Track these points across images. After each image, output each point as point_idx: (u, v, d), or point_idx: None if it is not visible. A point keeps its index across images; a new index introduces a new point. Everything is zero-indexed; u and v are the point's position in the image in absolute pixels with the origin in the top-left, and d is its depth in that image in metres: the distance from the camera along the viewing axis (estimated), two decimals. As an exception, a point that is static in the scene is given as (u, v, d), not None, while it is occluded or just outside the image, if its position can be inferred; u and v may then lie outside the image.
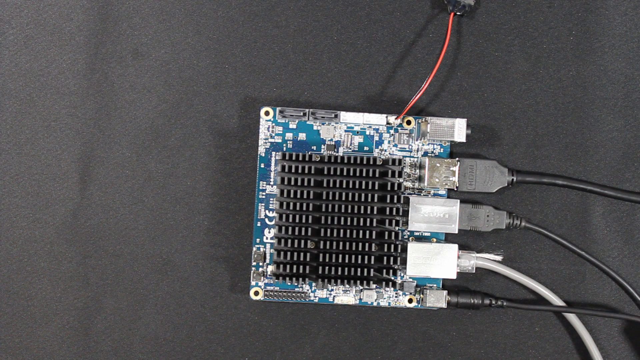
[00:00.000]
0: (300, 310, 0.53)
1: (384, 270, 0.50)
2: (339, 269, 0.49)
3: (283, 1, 0.53)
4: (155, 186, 0.52)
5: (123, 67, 0.52)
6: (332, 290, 0.52)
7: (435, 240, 0.52)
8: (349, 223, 0.49)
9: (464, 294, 0.51)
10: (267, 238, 0.52)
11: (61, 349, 0.52)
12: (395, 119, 0.51)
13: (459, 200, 0.50)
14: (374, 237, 0.49)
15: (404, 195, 0.51)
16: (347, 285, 0.50)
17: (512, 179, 0.51)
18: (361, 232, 0.49)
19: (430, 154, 0.52)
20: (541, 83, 0.53)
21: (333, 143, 0.52)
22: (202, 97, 0.52)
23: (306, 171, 0.49)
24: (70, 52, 0.52)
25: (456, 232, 0.50)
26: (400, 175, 0.49)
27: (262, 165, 0.52)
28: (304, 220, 0.49)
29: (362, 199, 0.49)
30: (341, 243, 0.49)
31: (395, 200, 0.49)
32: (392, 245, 0.49)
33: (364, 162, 0.49)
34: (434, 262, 0.50)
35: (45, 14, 0.52)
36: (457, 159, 0.50)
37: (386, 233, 0.49)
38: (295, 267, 0.49)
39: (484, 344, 0.53)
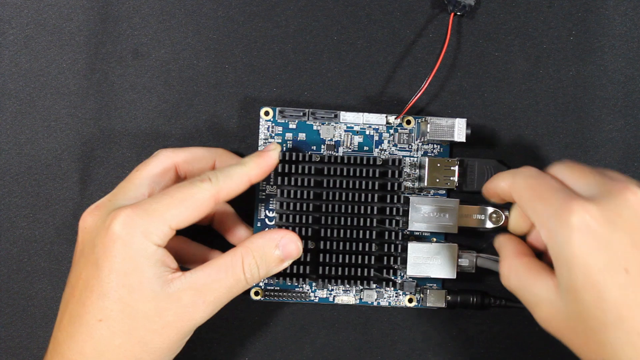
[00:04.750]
0: (300, 310, 0.53)
1: (384, 270, 0.50)
2: (339, 269, 0.49)
3: (283, 1, 0.53)
4: (155, 186, 0.52)
5: (123, 67, 0.52)
6: (332, 290, 0.52)
7: (435, 240, 0.52)
8: (349, 223, 0.49)
9: (464, 294, 0.51)
10: (267, 238, 0.52)
11: (61, 349, 0.52)
12: (395, 118, 0.51)
13: (458, 200, 0.50)
14: (374, 237, 0.49)
15: (404, 195, 0.51)
16: (347, 285, 0.50)
17: (512, 179, 0.51)
18: (361, 232, 0.49)
19: (430, 154, 0.52)
20: (541, 83, 0.53)
21: (333, 143, 0.52)
22: (202, 97, 0.52)
23: (306, 171, 0.49)
24: (70, 52, 0.52)
25: (456, 232, 0.50)
26: (400, 175, 0.49)
27: (262, 165, 0.52)
28: (304, 221, 0.49)
29: (362, 199, 0.49)
30: (341, 243, 0.49)
31: (395, 200, 0.49)
32: (392, 245, 0.49)
33: (364, 162, 0.49)
34: (434, 262, 0.50)
35: (45, 14, 0.52)
36: (457, 159, 0.50)
37: (386, 233, 0.49)
38: (295, 267, 0.49)
39: (484, 344, 0.53)
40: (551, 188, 0.40)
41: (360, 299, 0.52)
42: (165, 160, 0.47)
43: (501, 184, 0.44)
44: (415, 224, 0.50)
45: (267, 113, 0.51)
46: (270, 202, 0.52)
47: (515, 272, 0.44)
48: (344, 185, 0.49)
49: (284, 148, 0.52)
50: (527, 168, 0.44)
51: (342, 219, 0.49)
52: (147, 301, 0.41)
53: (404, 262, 0.50)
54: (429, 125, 0.50)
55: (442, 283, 0.52)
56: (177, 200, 0.42)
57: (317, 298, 0.52)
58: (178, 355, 0.53)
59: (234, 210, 0.51)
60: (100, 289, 0.41)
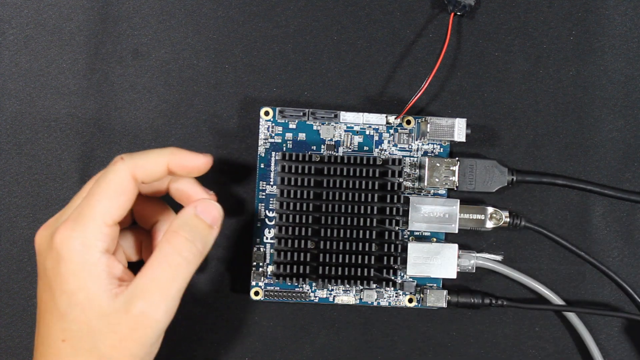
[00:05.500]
0: (300, 310, 0.53)
1: (384, 270, 0.50)
2: (339, 269, 0.49)
3: (283, 1, 0.53)
4: (155, 186, 0.52)
5: (123, 67, 0.52)
6: (332, 290, 0.52)
7: (435, 240, 0.52)
8: (349, 223, 0.49)
9: (464, 294, 0.51)
10: (267, 238, 0.52)
11: (61, 349, 0.52)
12: (395, 118, 0.51)
13: (459, 200, 0.50)
14: (374, 237, 0.49)
15: (404, 195, 0.51)
16: (348, 285, 0.50)
17: (512, 179, 0.51)
18: (361, 232, 0.49)
19: (430, 154, 0.52)
20: (541, 83, 0.53)
21: (333, 143, 0.52)
22: (202, 97, 0.52)
23: (306, 171, 0.49)
24: (70, 52, 0.52)
25: (456, 232, 0.50)
26: (400, 175, 0.49)
27: (262, 165, 0.52)
28: (304, 220, 0.49)
29: (362, 199, 0.49)
30: (341, 243, 0.49)
31: (395, 200, 0.49)
32: (392, 245, 0.49)
33: (364, 162, 0.49)
34: (434, 262, 0.50)
35: (45, 14, 0.52)
36: (457, 158, 0.50)
37: (386, 233, 0.49)
38: (295, 267, 0.49)
39: (484, 344, 0.53)
40: None
41: (360, 299, 0.52)
42: None
43: None
44: (415, 224, 0.50)
45: (267, 113, 0.51)
46: (270, 202, 0.52)
47: None
48: (344, 185, 0.49)
49: (284, 148, 0.52)
50: None
51: (342, 219, 0.49)
52: (98, 318, 0.40)
53: (404, 262, 0.50)
54: (429, 125, 0.50)
55: (442, 283, 0.52)
56: (99, 194, 0.41)
57: (317, 298, 0.52)
58: (178, 356, 0.53)
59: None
60: (57, 310, 0.40)
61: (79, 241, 0.40)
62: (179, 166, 0.44)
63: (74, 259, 0.40)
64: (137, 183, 0.42)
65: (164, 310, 0.41)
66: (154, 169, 0.43)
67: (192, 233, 0.42)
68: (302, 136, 0.52)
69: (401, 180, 0.50)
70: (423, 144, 0.52)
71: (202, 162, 0.45)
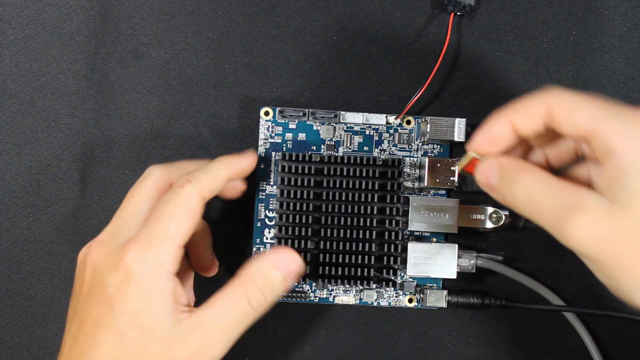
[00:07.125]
0: (300, 310, 0.53)
1: (384, 270, 0.50)
2: (339, 269, 0.49)
3: (283, 1, 0.53)
4: (155, 186, 0.52)
5: (123, 67, 0.52)
6: (332, 290, 0.52)
7: (435, 240, 0.52)
8: (349, 223, 0.49)
9: (464, 294, 0.51)
10: (267, 238, 0.52)
11: (61, 349, 0.52)
12: (395, 118, 0.51)
13: (459, 200, 0.50)
14: (374, 237, 0.49)
15: (404, 195, 0.51)
16: (347, 285, 0.50)
17: (512, 179, 0.51)
18: (361, 232, 0.49)
19: (430, 154, 0.52)
20: (541, 83, 0.53)
21: (333, 143, 0.52)
22: (202, 97, 0.52)
23: (306, 171, 0.49)
24: (70, 52, 0.52)
25: (456, 232, 0.50)
26: (400, 175, 0.49)
27: (262, 165, 0.52)
28: (304, 221, 0.49)
29: (362, 199, 0.49)
30: (341, 243, 0.49)
31: (395, 200, 0.49)
32: (392, 245, 0.49)
33: (364, 162, 0.49)
34: (434, 262, 0.50)
35: (45, 14, 0.52)
36: (457, 159, 0.50)
37: (386, 233, 0.49)
38: (295, 267, 0.49)
39: (484, 344, 0.53)
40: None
41: (360, 299, 0.52)
42: (159, 178, 0.45)
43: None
44: (415, 224, 0.50)
45: (267, 113, 0.51)
46: (270, 202, 0.52)
47: (545, 178, 0.37)
48: (344, 185, 0.49)
49: (284, 148, 0.52)
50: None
51: (342, 219, 0.49)
52: (158, 343, 0.40)
53: (404, 262, 0.50)
54: (429, 125, 0.50)
55: (442, 283, 0.52)
56: (170, 217, 0.41)
57: (317, 298, 0.52)
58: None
59: (210, 233, 0.50)
60: (114, 329, 0.40)
61: (151, 262, 0.40)
62: (236, 174, 0.45)
63: (145, 280, 0.40)
64: (204, 203, 0.43)
65: (222, 349, 0.41)
66: (218, 186, 0.44)
67: (266, 285, 0.42)
68: (302, 136, 0.52)
69: (401, 180, 0.50)
70: (423, 144, 0.52)
71: (253, 160, 0.46)
